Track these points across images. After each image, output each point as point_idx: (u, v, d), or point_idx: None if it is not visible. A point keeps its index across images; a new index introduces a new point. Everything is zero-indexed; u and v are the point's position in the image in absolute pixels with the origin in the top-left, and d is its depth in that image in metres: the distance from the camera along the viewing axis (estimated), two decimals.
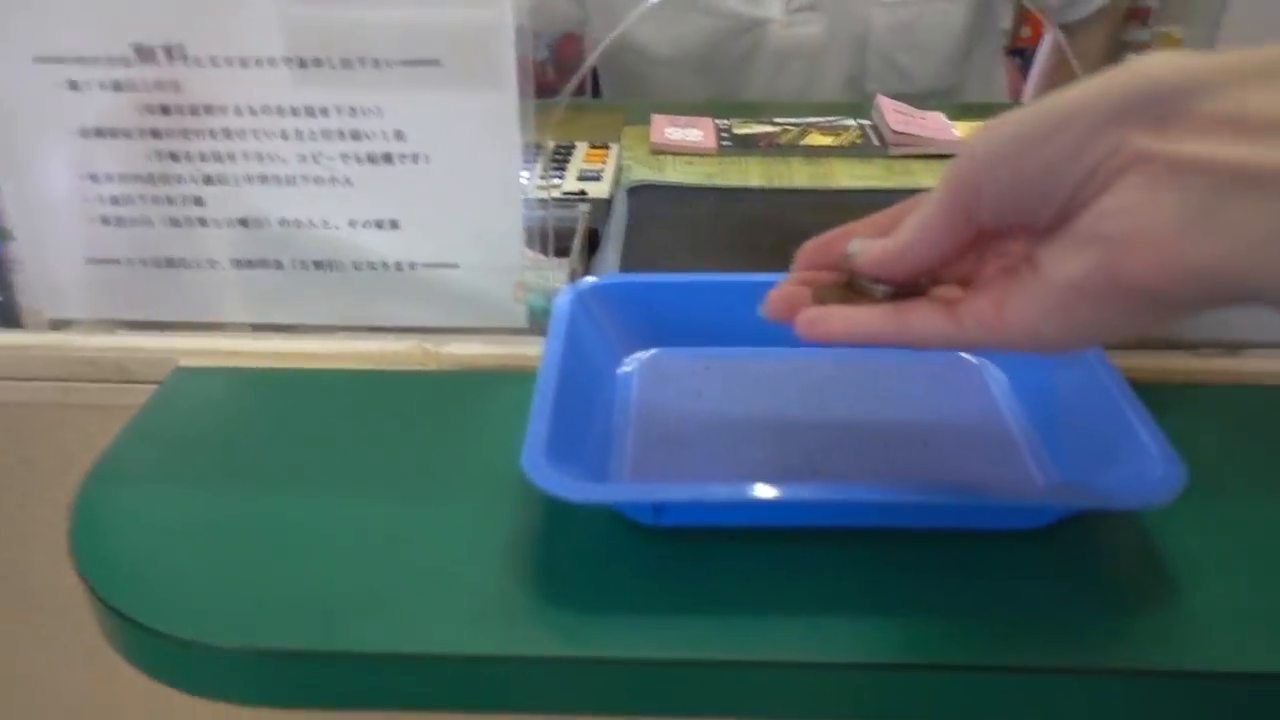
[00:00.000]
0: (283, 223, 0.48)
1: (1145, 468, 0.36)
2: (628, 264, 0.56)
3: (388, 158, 0.47)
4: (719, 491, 0.35)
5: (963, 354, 0.47)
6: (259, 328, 0.50)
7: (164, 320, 0.50)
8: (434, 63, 0.45)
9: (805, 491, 0.36)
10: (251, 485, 0.41)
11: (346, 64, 0.45)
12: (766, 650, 0.34)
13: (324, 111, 0.46)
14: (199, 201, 0.48)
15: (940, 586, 0.37)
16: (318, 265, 0.49)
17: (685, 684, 0.35)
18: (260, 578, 0.37)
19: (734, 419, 0.43)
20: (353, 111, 0.46)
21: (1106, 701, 0.35)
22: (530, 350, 0.50)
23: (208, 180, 0.48)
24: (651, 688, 0.35)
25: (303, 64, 0.45)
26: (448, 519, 0.40)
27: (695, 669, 0.35)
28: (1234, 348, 0.49)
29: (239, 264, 0.49)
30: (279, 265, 0.49)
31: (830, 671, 0.35)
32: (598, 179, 0.69)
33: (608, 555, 0.38)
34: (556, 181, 0.68)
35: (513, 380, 0.48)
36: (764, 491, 0.34)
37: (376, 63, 0.45)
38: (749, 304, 0.47)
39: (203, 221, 0.49)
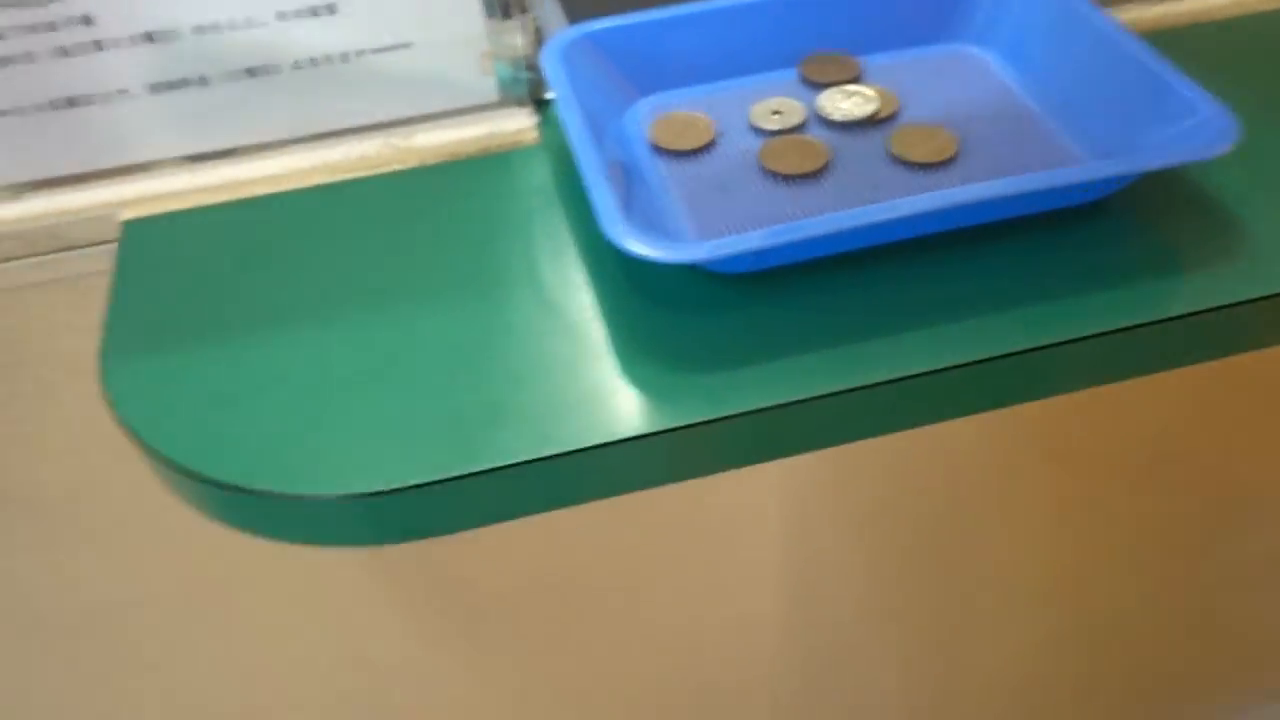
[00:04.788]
0: (198, 30, 0.41)
1: (1192, 121, 0.37)
2: (574, 17, 0.51)
3: None
4: (863, 214, 0.34)
5: (965, 46, 0.46)
6: (196, 159, 0.44)
7: (82, 173, 0.43)
8: None
9: (944, 198, 0.35)
10: (291, 326, 0.37)
11: None
12: (882, 370, 0.35)
13: None
14: (88, 20, 0.40)
15: (1018, 277, 0.37)
16: (251, 73, 0.43)
17: (814, 420, 0.35)
18: (359, 415, 0.34)
19: (757, 159, 0.41)
20: None
21: (1204, 339, 0.38)
22: (508, 125, 0.46)
23: None
24: (787, 429, 0.35)
25: None
26: (514, 314, 0.37)
27: (823, 402, 0.35)
28: None
29: (156, 88, 0.42)
30: (204, 82, 0.42)
31: (942, 375, 0.35)
32: None
33: (696, 313, 0.37)
34: None
35: (500, 162, 0.44)
36: (891, 210, 0.34)
37: None
38: (741, 29, 0.45)
39: (98, 45, 0.41)
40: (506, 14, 0.44)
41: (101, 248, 0.43)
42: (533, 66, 0.45)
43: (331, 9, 0.42)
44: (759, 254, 0.36)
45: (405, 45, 0.44)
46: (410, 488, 0.33)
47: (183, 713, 0.69)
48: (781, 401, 0.34)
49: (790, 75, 0.45)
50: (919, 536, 0.67)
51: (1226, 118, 0.37)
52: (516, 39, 0.45)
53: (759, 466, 0.61)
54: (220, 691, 0.69)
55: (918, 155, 0.40)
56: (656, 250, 0.33)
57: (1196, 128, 0.37)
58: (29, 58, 0.40)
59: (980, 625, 0.77)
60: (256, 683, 0.69)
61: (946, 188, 0.35)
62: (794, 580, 0.71)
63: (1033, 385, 0.38)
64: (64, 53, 0.41)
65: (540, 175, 0.43)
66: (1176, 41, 0.47)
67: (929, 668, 0.79)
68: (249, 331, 0.37)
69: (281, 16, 0.42)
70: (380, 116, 0.45)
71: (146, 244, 0.41)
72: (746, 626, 0.75)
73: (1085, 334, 0.36)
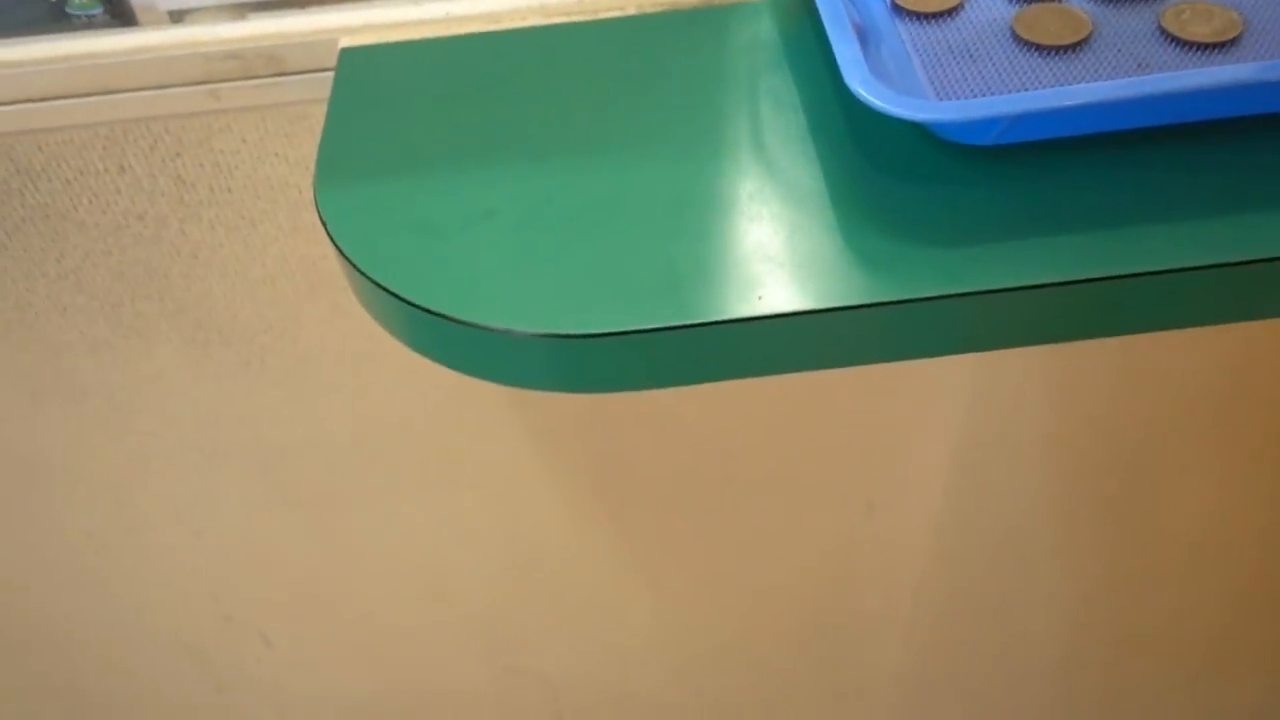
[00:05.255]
0: None
1: None
2: None
3: None
4: (1143, 85, 0.31)
5: None
6: None
7: None
8: None
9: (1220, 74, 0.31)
10: (504, 163, 0.36)
11: None
12: (1123, 264, 0.31)
13: None
14: None
15: None
16: None
17: (1042, 309, 0.33)
18: (567, 257, 0.33)
19: (1009, 26, 0.38)
20: None
21: None
22: None
23: None
24: (1011, 315, 0.33)
25: None
26: (733, 171, 0.35)
27: (1056, 291, 0.32)
28: None
29: None
30: None
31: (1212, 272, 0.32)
32: None
33: (926, 184, 0.34)
34: None
35: (721, 15, 0.42)
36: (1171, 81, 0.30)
37: None
38: None
39: None
40: None
41: (316, 75, 0.43)
42: None
43: None
44: (1009, 124, 0.33)
45: None
46: (613, 334, 0.32)
47: (337, 554, 0.72)
48: (1011, 285, 0.31)
49: None
50: (1109, 468, 0.63)
51: None
52: None
53: (947, 368, 0.58)
54: (373, 541, 0.71)
55: (1194, 34, 0.36)
56: (903, 107, 0.30)
57: None
58: None
59: (1159, 574, 0.72)
60: (409, 539, 0.71)
61: None
62: (957, 498, 0.68)
63: None
64: None
65: (765, 32, 0.41)
66: None
67: (1092, 614, 0.76)
68: (462, 165, 0.36)
69: None
70: None
71: (363, 72, 0.40)
72: (897, 547, 0.73)
73: None
